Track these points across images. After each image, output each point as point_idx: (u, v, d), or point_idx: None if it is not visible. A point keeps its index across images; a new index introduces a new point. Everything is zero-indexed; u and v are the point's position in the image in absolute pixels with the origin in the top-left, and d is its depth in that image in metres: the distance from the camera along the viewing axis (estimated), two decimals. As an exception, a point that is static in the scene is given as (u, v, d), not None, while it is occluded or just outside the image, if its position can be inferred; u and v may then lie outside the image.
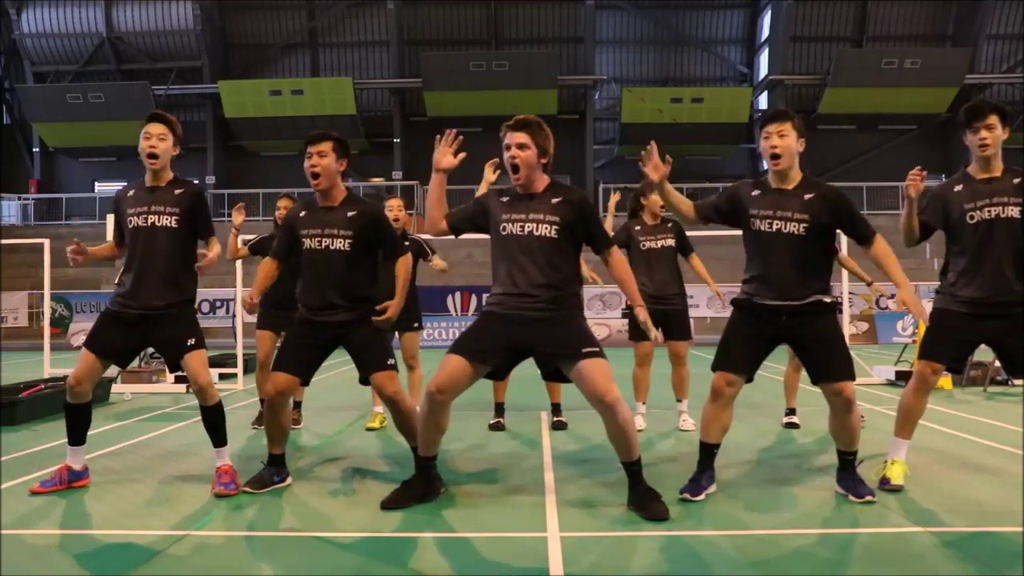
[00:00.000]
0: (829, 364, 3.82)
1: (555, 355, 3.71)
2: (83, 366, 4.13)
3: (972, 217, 3.94)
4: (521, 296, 3.72)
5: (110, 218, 4.51)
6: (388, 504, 3.79)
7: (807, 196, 3.82)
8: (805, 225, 3.79)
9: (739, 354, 3.93)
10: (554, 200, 3.78)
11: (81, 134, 28.42)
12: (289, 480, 4.31)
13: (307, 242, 4.17)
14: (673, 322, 6.00)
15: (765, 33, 29.67)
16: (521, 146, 3.74)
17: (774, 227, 3.84)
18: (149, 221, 4.10)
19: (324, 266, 4.14)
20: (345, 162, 4.21)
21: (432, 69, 27.23)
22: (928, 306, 4.11)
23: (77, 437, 4.24)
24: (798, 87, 28.89)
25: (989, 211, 3.91)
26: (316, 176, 4.12)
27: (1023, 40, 28.09)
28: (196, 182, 4.46)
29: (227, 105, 27.81)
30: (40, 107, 28.18)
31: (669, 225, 6.05)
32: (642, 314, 3.79)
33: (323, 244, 4.13)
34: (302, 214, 4.24)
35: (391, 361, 4.16)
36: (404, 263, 4.32)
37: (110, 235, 4.48)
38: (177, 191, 4.16)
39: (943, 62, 27.15)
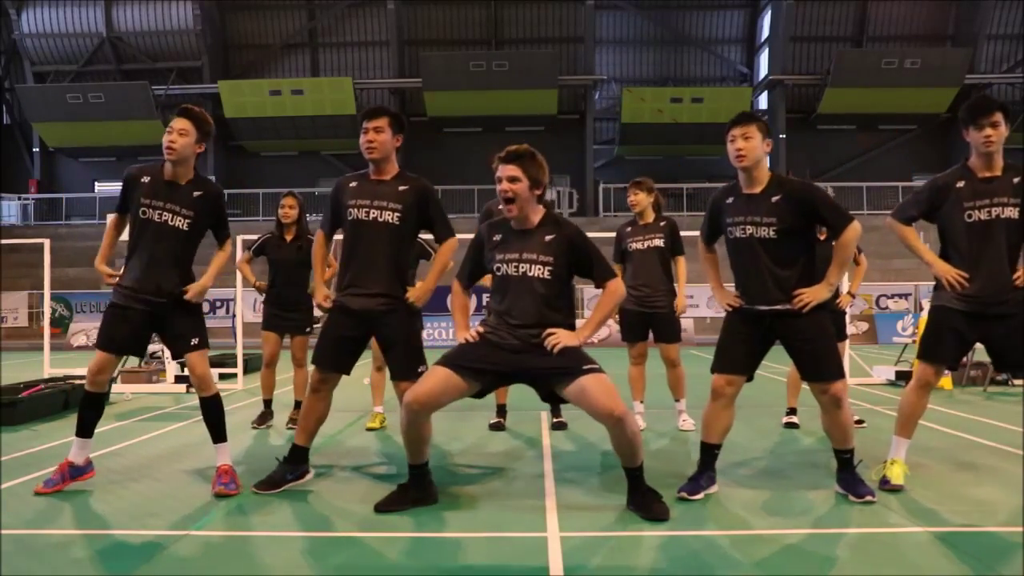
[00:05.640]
0: (817, 364, 3.83)
1: (554, 373, 3.62)
2: (100, 359, 4.11)
3: (970, 216, 3.94)
4: (516, 330, 3.68)
5: (110, 217, 4.45)
6: (382, 507, 3.75)
7: (774, 198, 3.82)
8: (774, 228, 3.80)
9: (736, 354, 3.95)
10: (547, 238, 3.73)
11: (81, 134, 28.42)
12: (308, 477, 4.27)
13: (354, 212, 4.07)
14: (660, 324, 5.95)
15: (765, 33, 29.66)
16: (512, 179, 3.67)
17: (747, 232, 3.86)
18: (162, 218, 4.06)
19: (370, 239, 4.05)
20: (401, 138, 4.18)
21: (432, 69, 27.22)
22: (927, 305, 4.12)
23: (86, 429, 4.20)
24: (798, 87, 28.89)
25: (989, 211, 3.91)
26: (372, 150, 4.07)
27: (1023, 40, 28.09)
28: (215, 180, 4.39)
29: (227, 105, 27.79)
30: (40, 107, 28.16)
31: (661, 224, 6.00)
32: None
33: (371, 216, 4.05)
34: (352, 184, 4.16)
35: (421, 368, 4.07)
36: (450, 246, 4.23)
37: (109, 220, 4.40)
38: (196, 193, 4.12)
39: (943, 62, 27.13)
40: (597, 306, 3.79)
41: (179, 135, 4.03)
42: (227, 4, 29.24)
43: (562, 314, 3.75)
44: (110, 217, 4.35)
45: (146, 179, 4.12)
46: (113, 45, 29.07)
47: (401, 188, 4.11)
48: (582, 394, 3.54)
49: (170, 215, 4.07)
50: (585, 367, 3.58)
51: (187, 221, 4.10)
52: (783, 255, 3.82)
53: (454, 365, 3.67)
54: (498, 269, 3.79)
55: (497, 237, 3.85)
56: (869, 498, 3.80)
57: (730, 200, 3.97)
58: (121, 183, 4.23)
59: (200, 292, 4.14)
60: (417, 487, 3.87)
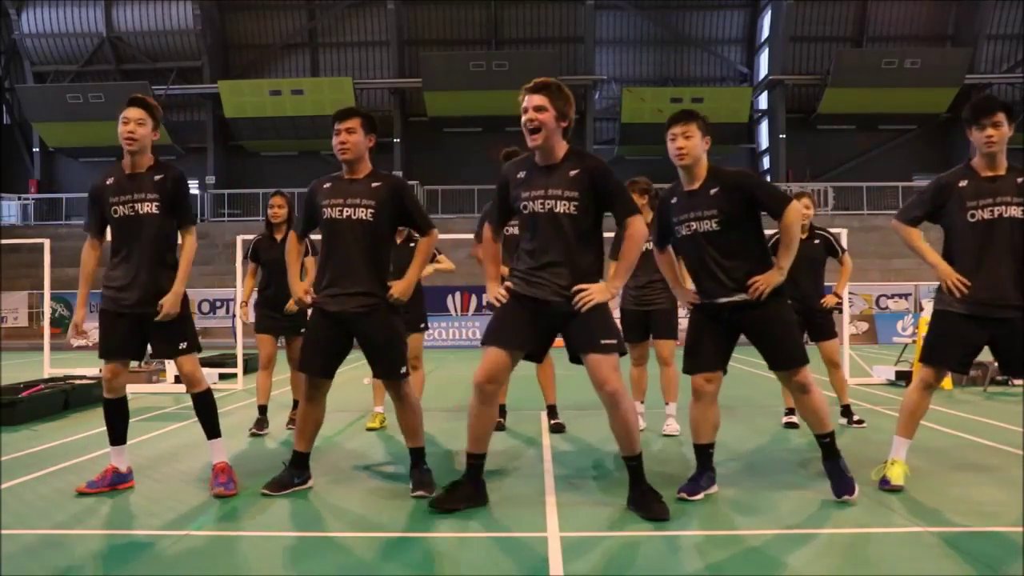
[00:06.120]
0: (780, 352, 3.88)
1: (577, 341, 3.66)
2: (108, 367, 4.14)
3: (973, 216, 3.93)
4: (543, 270, 3.65)
5: (84, 247, 4.30)
6: (438, 504, 3.73)
7: (712, 191, 3.85)
8: (716, 220, 3.83)
9: (707, 351, 3.98)
10: (572, 172, 3.66)
11: (81, 134, 28.39)
12: (311, 483, 4.27)
13: (328, 212, 4.06)
14: (656, 321, 5.95)
15: (765, 33, 29.66)
16: (539, 108, 3.63)
17: (692, 228, 3.90)
18: (135, 209, 4.06)
19: (344, 238, 4.04)
20: (373, 138, 4.17)
21: (432, 69, 27.22)
22: (927, 305, 4.11)
23: (118, 436, 4.23)
24: (798, 87, 28.91)
25: (992, 210, 3.90)
26: (345, 151, 4.07)
27: (1023, 40, 28.10)
28: (177, 166, 4.36)
29: (227, 105, 27.80)
30: (40, 107, 28.17)
31: None
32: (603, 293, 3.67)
33: (344, 214, 4.03)
34: (326, 186, 4.17)
35: (404, 370, 4.09)
36: (429, 241, 4.21)
37: (83, 251, 4.35)
38: (157, 177, 4.11)
39: (943, 62, 27.14)
40: (622, 253, 3.74)
41: (137, 124, 4.05)
42: (227, 4, 29.24)
43: (591, 255, 3.70)
44: (84, 247, 4.31)
45: (110, 181, 4.14)
46: (113, 45, 29.07)
47: (374, 185, 4.10)
48: (589, 365, 3.60)
49: (139, 203, 4.06)
50: (603, 342, 3.58)
51: (155, 204, 4.07)
52: (729, 246, 3.84)
53: (499, 341, 3.69)
54: (524, 207, 3.71)
55: (521, 174, 3.79)
56: (846, 497, 3.80)
57: (674, 200, 4.01)
58: (88, 201, 4.21)
59: (174, 303, 4.08)
60: (474, 482, 3.82)
